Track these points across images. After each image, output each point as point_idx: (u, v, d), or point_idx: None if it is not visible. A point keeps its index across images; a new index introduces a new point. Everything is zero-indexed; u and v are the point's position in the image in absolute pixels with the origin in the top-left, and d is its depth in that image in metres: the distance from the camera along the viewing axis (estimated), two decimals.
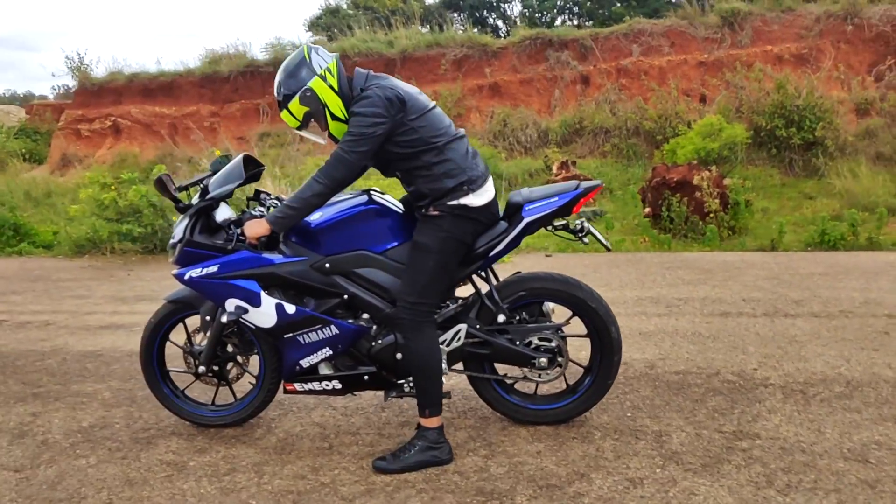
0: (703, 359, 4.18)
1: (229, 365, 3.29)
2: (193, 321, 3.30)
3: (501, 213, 3.06)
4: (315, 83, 2.83)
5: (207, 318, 3.14)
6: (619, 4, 19.69)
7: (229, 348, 3.25)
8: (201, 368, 3.18)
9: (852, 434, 3.02)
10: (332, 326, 3.00)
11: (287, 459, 2.97)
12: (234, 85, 16.10)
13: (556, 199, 2.99)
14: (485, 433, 3.17)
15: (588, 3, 20.68)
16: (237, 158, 3.11)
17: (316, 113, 2.86)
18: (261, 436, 3.23)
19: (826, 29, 12.92)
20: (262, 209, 3.12)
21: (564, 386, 3.29)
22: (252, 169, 3.11)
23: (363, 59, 15.41)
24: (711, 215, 9.28)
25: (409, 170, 2.90)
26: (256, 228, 2.85)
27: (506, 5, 21.97)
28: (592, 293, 3.10)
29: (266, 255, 2.96)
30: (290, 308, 2.96)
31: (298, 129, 2.94)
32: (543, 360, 3.07)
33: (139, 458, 3.02)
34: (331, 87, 2.84)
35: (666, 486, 2.62)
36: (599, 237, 3.10)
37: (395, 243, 3.03)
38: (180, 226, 3.04)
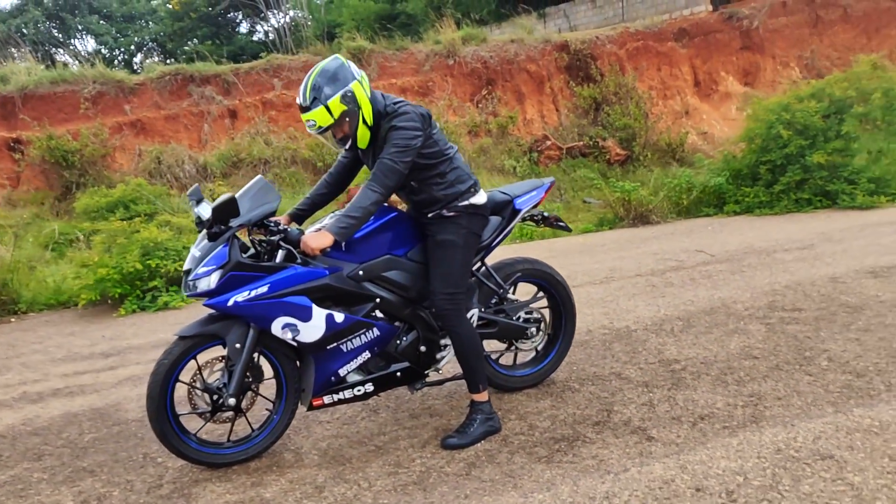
0: None
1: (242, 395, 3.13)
2: (201, 357, 3.08)
3: None
4: (355, 86, 3.02)
5: (237, 345, 2.98)
6: (206, 42, 19.95)
7: None
8: (231, 401, 2.99)
9: (727, 345, 4.19)
10: (374, 329, 3.14)
11: (358, 466, 3.02)
12: None
13: (535, 193, 3.58)
14: (494, 405, 3.57)
15: (170, 43, 20.61)
16: (257, 180, 3.06)
17: (352, 114, 3.02)
18: (294, 460, 3.16)
19: (435, 65, 15.50)
20: (295, 227, 3.08)
21: (534, 354, 3.86)
22: None
23: None
24: None
25: (426, 178, 3.21)
26: (321, 240, 2.87)
27: (76, 41, 20.69)
28: (556, 271, 3.75)
29: (315, 268, 2.98)
30: (340, 316, 3.03)
31: (330, 127, 3.02)
32: (533, 330, 3.62)
33: None
34: (365, 92, 3.04)
35: (671, 402, 3.41)
36: (563, 222, 3.76)
37: (413, 245, 3.30)
38: (216, 252, 2.86)
